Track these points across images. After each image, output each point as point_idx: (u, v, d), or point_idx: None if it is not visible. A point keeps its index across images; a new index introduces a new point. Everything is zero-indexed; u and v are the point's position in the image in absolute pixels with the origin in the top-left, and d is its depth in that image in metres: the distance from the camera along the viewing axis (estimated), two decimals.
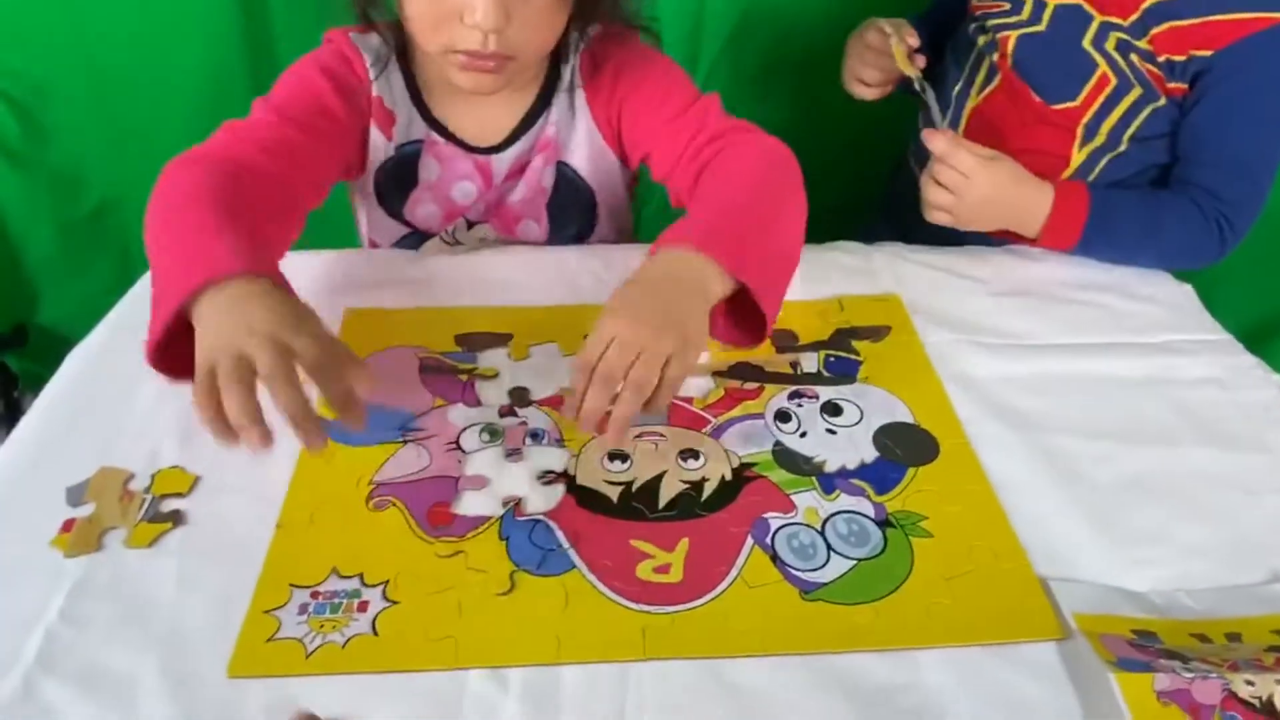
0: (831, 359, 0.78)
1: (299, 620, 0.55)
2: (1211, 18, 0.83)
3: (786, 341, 0.80)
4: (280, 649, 0.54)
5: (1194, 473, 0.68)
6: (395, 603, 0.57)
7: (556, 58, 0.85)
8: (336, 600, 0.57)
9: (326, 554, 0.59)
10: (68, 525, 0.61)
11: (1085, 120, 0.92)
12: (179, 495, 0.63)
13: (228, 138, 0.75)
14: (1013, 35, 0.93)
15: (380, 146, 0.85)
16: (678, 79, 0.86)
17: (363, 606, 0.56)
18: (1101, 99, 0.90)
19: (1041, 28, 0.90)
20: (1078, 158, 0.94)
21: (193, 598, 0.57)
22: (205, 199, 0.66)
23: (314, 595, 0.57)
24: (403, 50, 0.83)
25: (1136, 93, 0.88)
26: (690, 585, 0.59)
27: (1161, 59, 0.86)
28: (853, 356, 0.79)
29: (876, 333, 0.81)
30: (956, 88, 1.00)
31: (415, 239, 0.93)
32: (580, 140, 0.88)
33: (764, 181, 0.74)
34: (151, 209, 0.68)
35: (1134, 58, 0.87)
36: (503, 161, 0.88)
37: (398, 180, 0.88)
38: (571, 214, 0.93)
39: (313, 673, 0.53)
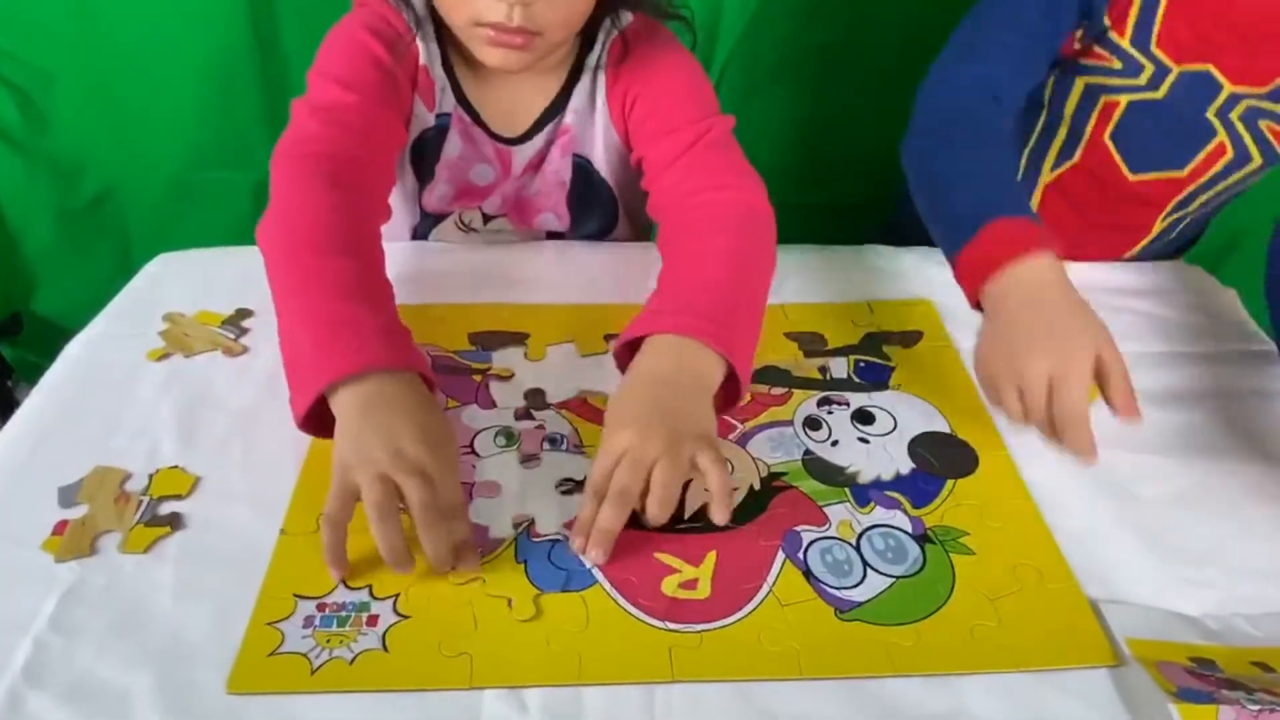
0: (862, 364, 0.75)
1: (304, 634, 0.52)
2: None
3: (815, 345, 0.77)
4: (284, 664, 0.51)
5: (1246, 489, 0.65)
6: (407, 617, 0.53)
7: (583, 47, 0.81)
8: (344, 613, 0.53)
9: None
10: (60, 527, 0.57)
11: (1186, 192, 0.83)
12: (178, 497, 0.60)
13: (322, 128, 0.71)
14: (1123, 100, 0.79)
15: (421, 117, 0.81)
16: (696, 90, 0.81)
17: (372, 620, 0.53)
18: (1213, 171, 0.81)
19: (1159, 95, 0.77)
20: (1158, 226, 0.87)
21: (191, 607, 0.54)
22: (331, 240, 0.64)
23: (320, 607, 0.54)
24: (435, 26, 0.79)
25: (1255, 164, 0.79)
26: (719, 602, 0.55)
27: None
28: (884, 362, 0.76)
29: (908, 338, 0.78)
30: (1026, 151, 0.88)
31: (426, 223, 0.90)
32: (598, 131, 0.84)
33: (744, 255, 0.70)
34: (272, 235, 0.65)
35: (1263, 124, 0.77)
36: (523, 154, 0.84)
37: (425, 158, 0.84)
38: (593, 208, 0.89)
39: (318, 690, 0.50)
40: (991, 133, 0.74)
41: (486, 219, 0.90)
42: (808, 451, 0.67)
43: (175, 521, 0.58)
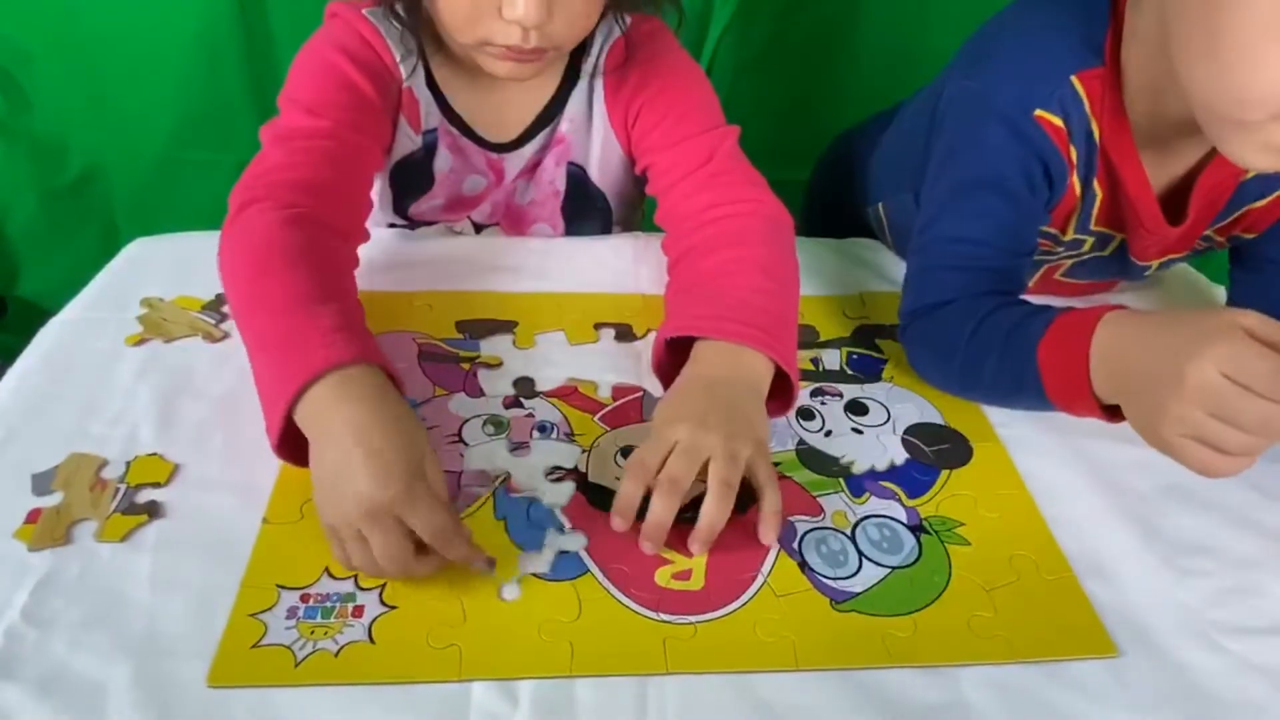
0: (854, 356, 0.75)
1: (287, 625, 0.51)
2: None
3: (807, 337, 0.76)
4: (266, 656, 0.49)
5: (1238, 479, 0.64)
6: (393, 607, 0.52)
7: (577, 48, 0.79)
8: (329, 604, 0.52)
9: (318, 553, 0.54)
10: (33, 515, 0.55)
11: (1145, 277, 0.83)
12: (156, 485, 0.58)
13: (285, 156, 0.68)
14: (1068, 263, 0.79)
15: (408, 138, 0.79)
16: (702, 98, 0.80)
17: (358, 611, 0.52)
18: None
19: (1105, 253, 0.76)
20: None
21: (170, 598, 0.52)
22: (273, 259, 0.61)
23: (304, 598, 0.52)
24: (414, 29, 0.75)
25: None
26: (713, 593, 0.54)
27: (1229, 235, 0.74)
28: (876, 355, 0.75)
29: None
30: None
31: (410, 228, 0.88)
32: (595, 140, 0.82)
33: (775, 265, 0.70)
34: (233, 268, 0.63)
35: (1199, 243, 0.76)
36: (516, 160, 0.83)
37: (414, 174, 0.82)
38: (587, 217, 0.87)
39: (302, 683, 0.48)
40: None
41: (478, 228, 0.88)
42: (801, 442, 0.66)
43: (153, 510, 0.57)
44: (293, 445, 0.55)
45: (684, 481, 0.55)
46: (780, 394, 0.64)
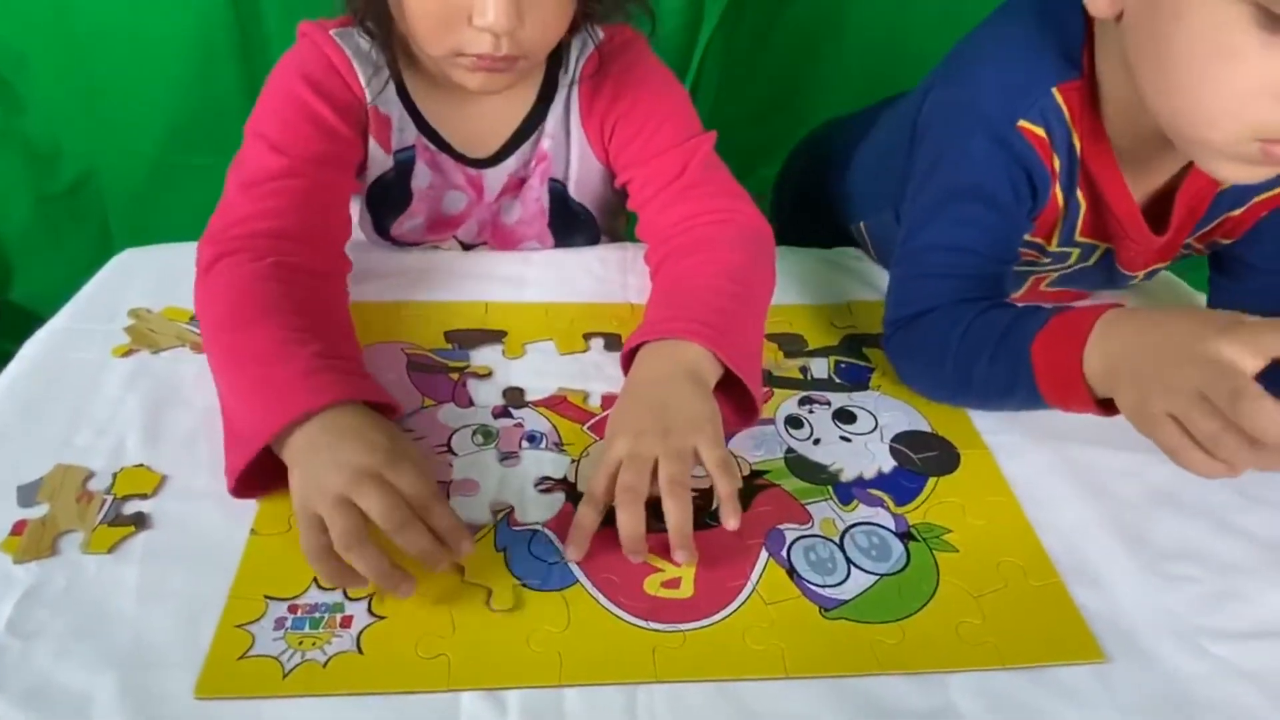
0: (842, 365, 0.75)
1: (275, 636, 0.50)
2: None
3: (795, 346, 0.76)
4: (254, 667, 0.49)
5: (1224, 486, 0.65)
6: (382, 618, 0.52)
7: (553, 62, 0.79)
8: (317, 614, 0.52)
9: (306, 563, 0.54)
10: (18, 527, 0.55)
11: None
12: (143, 496, 0.58)
13: (253, 205, 0.67)
14: (1054, 274, 0.79)
15: (379, 160, 0.79)
16: (675, 107, 0.80)
17: (346, 622, 0.51)
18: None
19: (1091, 263, 0.77)
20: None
21: (157, 609, 0.52)
22: (260, 308, 0.61)
23: (292, 609, 0.52)
24: (385, 45, 0.74)
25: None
26: (702, 601, 0.54)
27: (1208, 242, 0.75)
28: (864, 363, 0.75)
29: None
30: None
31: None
32: (574, 154, 0.82)
33: (744, 268, 0.70)
34: (209, 322, 0.63)
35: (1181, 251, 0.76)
36: (495, 176, 0.82)
37: (391, 192, 0.81)
38: (574, 230, 0.87)
39: (290, 694, 0.48)
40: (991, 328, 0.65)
41: (466, 248, 0.88)
42: (790, 450, 0.66)
43: (140, 521, 0.56)
44: (250, 486, 0.57)
45: (640, 488, 0.56)
46: (746, 398, 0.64)
